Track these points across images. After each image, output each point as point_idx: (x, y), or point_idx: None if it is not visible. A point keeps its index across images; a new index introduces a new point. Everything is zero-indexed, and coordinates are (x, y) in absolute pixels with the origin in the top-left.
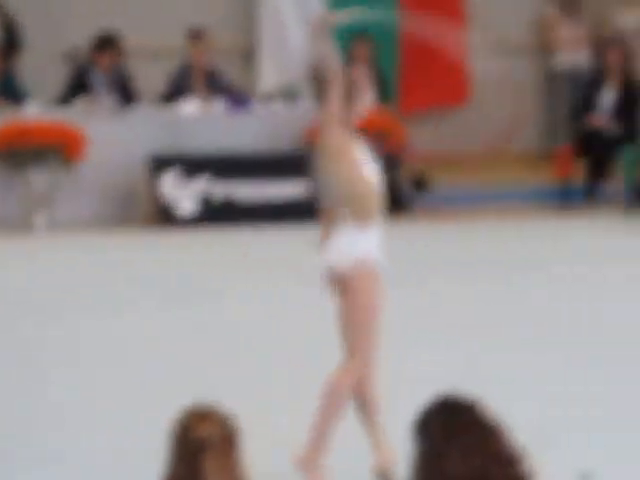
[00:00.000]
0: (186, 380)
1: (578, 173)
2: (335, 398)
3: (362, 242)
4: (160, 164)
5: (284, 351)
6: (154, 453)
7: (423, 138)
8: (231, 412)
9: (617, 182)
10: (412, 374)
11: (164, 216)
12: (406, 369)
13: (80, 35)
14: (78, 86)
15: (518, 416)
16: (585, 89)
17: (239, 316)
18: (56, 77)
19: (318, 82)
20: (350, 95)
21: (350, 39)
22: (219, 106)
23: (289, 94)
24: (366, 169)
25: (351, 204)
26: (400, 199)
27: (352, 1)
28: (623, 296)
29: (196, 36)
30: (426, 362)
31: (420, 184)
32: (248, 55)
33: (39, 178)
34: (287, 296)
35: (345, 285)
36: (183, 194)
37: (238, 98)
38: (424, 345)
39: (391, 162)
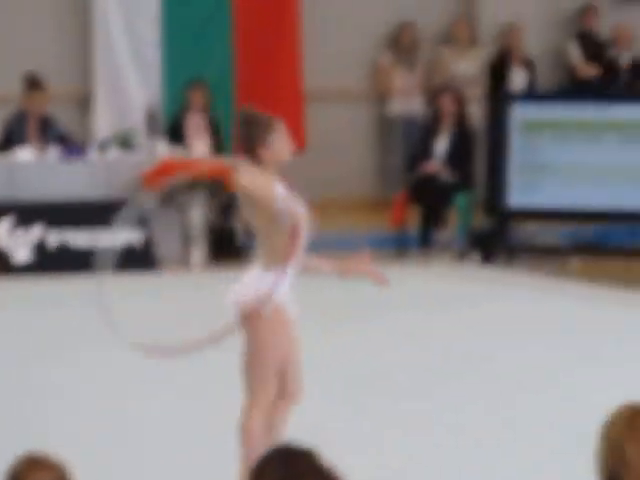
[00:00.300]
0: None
1: (413, 220)
2: (251, 442)
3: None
4: None
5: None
6: None
7: None
8: (65, 462)
9: (451, 229)
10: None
11: None
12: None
13: None
14: None
15: (352, 465)
16: (419, 136)
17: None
18: None
19: (247, 127)
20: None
21: (185, 86)
22: (54, 154)
23: (125, 142)
24: (288, 211)
25: (265, 245)
26: (236, 245)
27: (185, 26)
28: (455, 342)
29: (32, 84)
30: None
31: None
32: (84, 102)
33: None
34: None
35: (251, 324)
36: (18, 242)
37: (73, 146)
38: None
39: (226, 209)
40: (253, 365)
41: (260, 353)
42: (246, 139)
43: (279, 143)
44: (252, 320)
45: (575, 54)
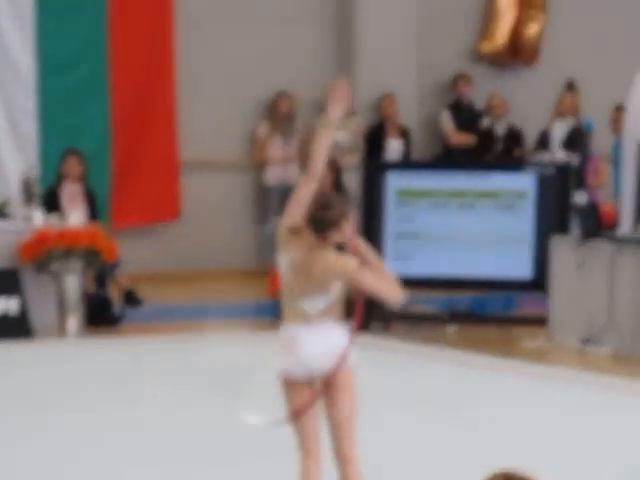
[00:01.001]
0: None
1: None
2: None
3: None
4: None
5: None
6: None
7: (135, 254)
8: None
9: None
10: None
11: None
12: None
13: None
14: None
15: None
16: None
17: None
18: None
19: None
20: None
21: (61, 155)
22: None
23: (2, 210)
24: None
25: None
26: (112, 314)
27: (60, 95)
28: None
29: None
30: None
31: (131, 299)
32: None
33: None
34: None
35: (336, 386)
36: None
37: None
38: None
39: (102, 277)
40: (345, 427)
41: (351, 411)
42: (320, 222)
43: (349, 228)
44: (337, 382)
45: (447, 123)
